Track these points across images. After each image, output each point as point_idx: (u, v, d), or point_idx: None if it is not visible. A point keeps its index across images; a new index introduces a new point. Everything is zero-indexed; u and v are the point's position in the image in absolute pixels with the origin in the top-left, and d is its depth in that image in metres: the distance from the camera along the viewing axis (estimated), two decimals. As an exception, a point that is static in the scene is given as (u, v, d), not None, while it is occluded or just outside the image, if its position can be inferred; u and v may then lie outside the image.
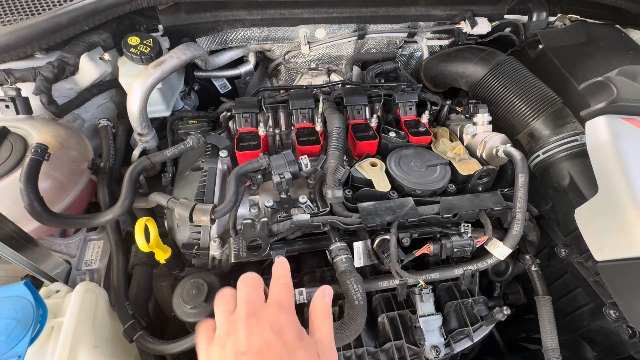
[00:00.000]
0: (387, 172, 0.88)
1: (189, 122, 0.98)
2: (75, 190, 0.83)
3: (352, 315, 0.66)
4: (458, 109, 1.11)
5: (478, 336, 0.77)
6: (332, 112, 0.96)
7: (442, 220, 0.80)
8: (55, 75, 0.86)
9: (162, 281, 0.94)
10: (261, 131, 0.94)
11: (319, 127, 0.97)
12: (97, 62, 0.96)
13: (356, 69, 1.35)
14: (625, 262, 0.64)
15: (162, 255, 0.81)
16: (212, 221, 0.76)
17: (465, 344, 0.76)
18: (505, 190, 0.87)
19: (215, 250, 0.81)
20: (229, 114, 1.03)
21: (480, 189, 0.89)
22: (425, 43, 1.33)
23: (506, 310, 0.72)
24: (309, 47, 1.28)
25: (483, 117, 0.99)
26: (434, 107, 1.12)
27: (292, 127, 1.01)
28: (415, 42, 1.38)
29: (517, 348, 1.12)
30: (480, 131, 0.98)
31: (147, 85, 0.86)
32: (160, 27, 1.08)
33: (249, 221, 0.78)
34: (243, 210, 0.88)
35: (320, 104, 0.99)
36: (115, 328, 0.77)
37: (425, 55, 1.35)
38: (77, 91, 0.96)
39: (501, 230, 0.87)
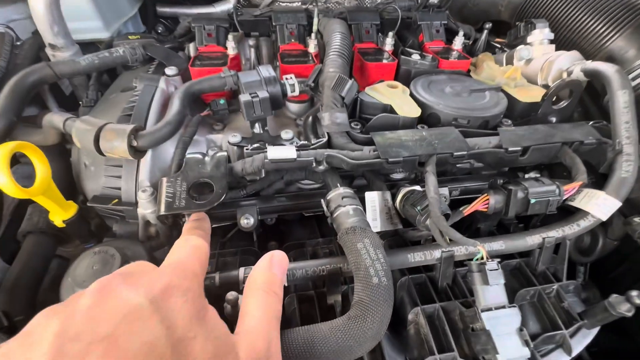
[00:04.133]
0: (412, 97, 0.60)
1: (129, 37, 0.69)
2: None
3: (368, 304, 0.35)
4: (498, 40, 0.84)
5: (578, 345, 0.45)
6: (330, 20, 0.68)
7: (506, 158, 0.51)
8: None
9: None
10: (231, 50, 0.66)
11: (312, 48, 0.69)
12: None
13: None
14: None
15: (61, 213, 0.51)
16: (136, 152, 0.47)
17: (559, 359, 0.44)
18: (591, 123, 0.58)
19: (146, 207, 0.51)
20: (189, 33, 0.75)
21: (554, 119, 0.59)
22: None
23: (638, 298, 0.41)
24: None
25: (542, 35, 0.71)
26: (465, 40, 0.85)
27: (277, 62, 0.73)
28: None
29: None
30: (539, 54, 0.70)
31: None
32: None
33: (197, 156, 0.49)
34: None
35: (315, 20, 0.71)
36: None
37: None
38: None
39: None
